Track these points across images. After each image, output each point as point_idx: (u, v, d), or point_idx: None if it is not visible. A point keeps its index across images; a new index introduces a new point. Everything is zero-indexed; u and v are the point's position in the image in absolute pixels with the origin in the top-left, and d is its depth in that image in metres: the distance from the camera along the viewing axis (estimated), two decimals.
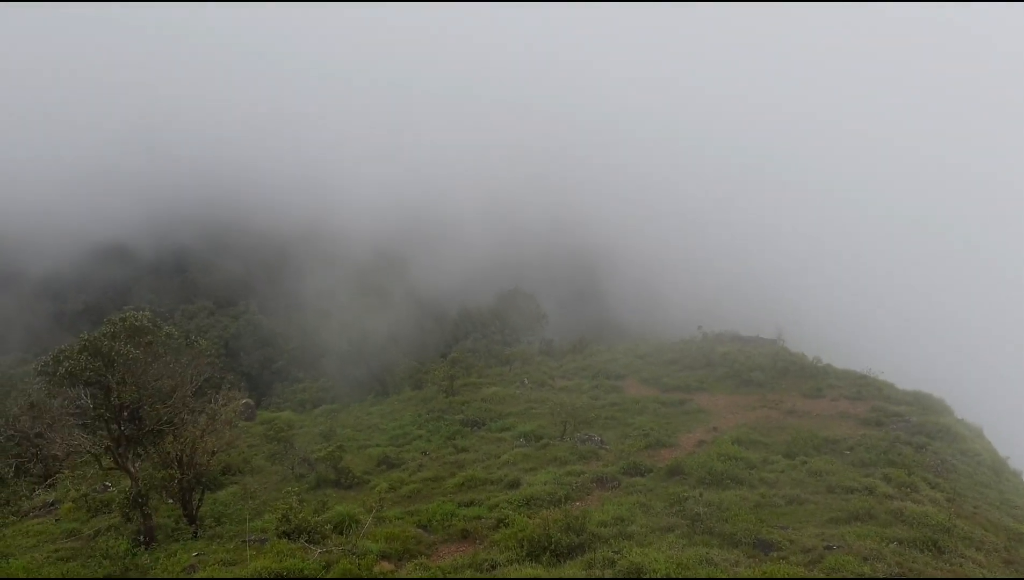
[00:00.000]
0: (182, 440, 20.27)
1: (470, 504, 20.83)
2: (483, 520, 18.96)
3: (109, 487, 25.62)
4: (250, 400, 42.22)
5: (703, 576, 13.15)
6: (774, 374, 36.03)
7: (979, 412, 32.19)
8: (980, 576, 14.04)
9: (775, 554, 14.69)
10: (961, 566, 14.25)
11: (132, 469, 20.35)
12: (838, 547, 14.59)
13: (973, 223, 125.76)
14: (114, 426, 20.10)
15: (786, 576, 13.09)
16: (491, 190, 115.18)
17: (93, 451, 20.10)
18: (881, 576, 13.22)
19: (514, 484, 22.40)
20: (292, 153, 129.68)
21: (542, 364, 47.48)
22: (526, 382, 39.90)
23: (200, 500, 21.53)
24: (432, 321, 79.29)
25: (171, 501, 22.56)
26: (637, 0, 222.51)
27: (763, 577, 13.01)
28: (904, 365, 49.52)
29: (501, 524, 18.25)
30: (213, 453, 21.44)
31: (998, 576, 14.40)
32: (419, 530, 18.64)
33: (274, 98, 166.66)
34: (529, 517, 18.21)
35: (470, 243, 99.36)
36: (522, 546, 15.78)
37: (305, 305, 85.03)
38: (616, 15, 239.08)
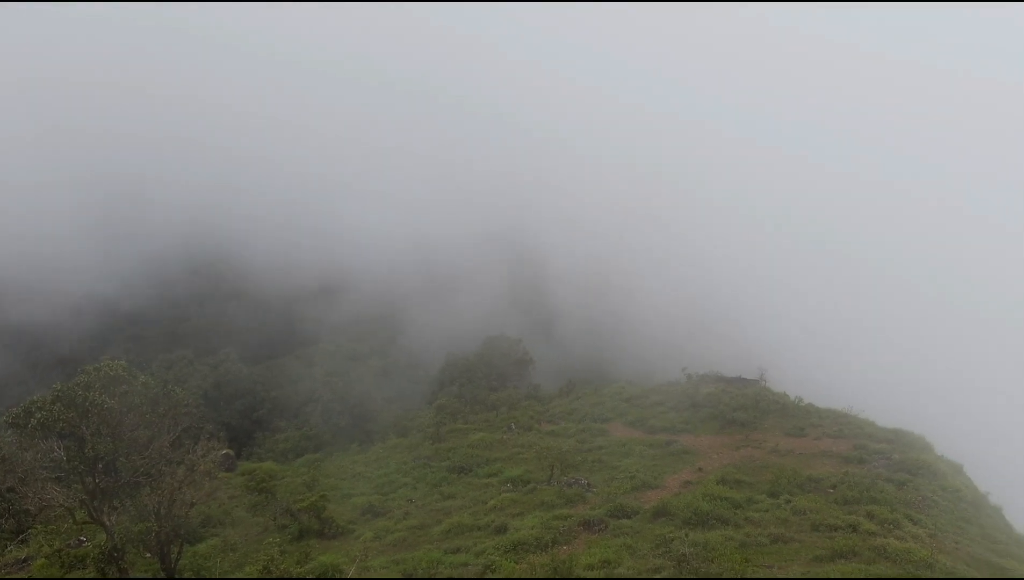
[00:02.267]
0: (160, 492, 19.94)
1: (457, 551, 20.62)
2: (470, 567, 18.75)
3: (84, 541, 25.01)
4: (230, 451, 41.57)
5: None
6: (757, 414, 36.14)
7: (959, 449, 32.37)
8: None
9: None
10: None
11: (108, 522, 19.96)
12: None
13: (950, 259, 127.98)
14: (89, 478, 19.77)
15: None
16: (483, 234, 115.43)
17: (67, 505, 19.72)
18: None
19: (501, 529, 22.22)
20: (276, 201, 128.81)
21: (529, 409, 47.25)
22: (513, 427, 39.70)
23: (179, 553, 21.08)
24: (418, 368, 78.83)
25: (149, 555, 22.06)
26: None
27: None
28: (884, 402, 49.78)
29: (488, 570, 18.06)
30: (192, 505, 21.09)
31: None
32: (404, 579, 18.38)
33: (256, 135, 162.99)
34: (516, 563, 18.07)
35: (458, 290, 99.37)
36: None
37: (288, 352, 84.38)
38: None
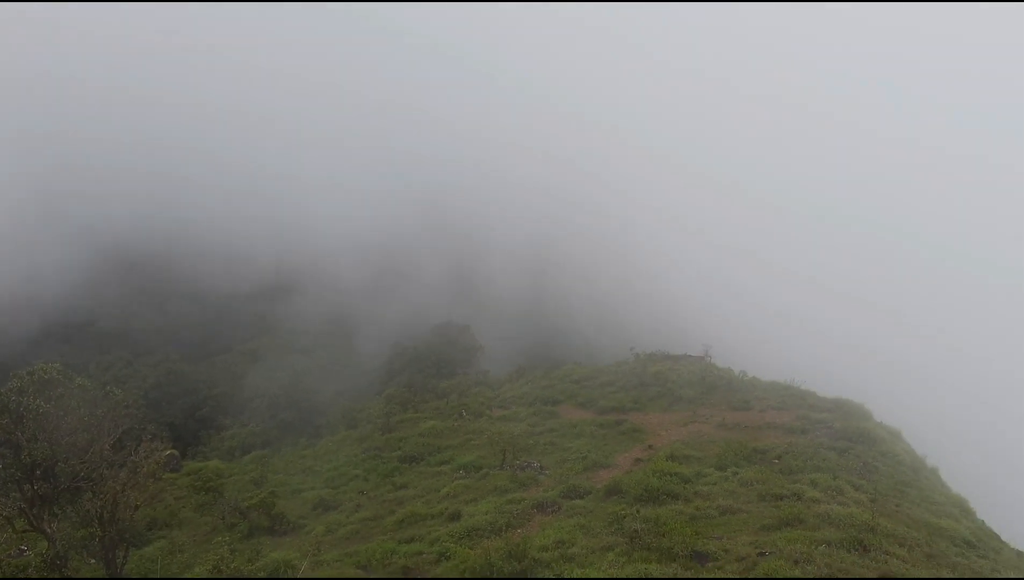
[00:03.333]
0: (102, 496, 19.35)
1: (411, 540, 20.54)
2: (424, 555, 18.72)
3: (25, 551, 24.10)
4: (175, 451, 40.53)
5: None
6: (703, 390, 36.84)
7: (897, 414, 33.54)
8: (905, 575, 14.60)
9: (711, 564, 14.99)
10: (886, 562, 14.83)
11: (49, 530, 19.30)
12: (770, 553, 14.99)
13: (887, 231, 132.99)
14: (27, 486, 19.11)
15: None
16: (427, 222, 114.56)
17: (5, 514, 19.04)
18: (812, 578, 13.64)
19: (455, 516, 22.22)
20: (219, 192, 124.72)
21: (479, 395, 47.24)
22: (464, 414, 39.65)
23: (125, 558, 20.51)
24: (367, 359, 78.07)
25: (93, 561, 21.45)
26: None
27: None
28: (824, 373, 51.35)
29: (443, 558, 18.06)
30: (136, 508, 20.53)
31: (921, 571, 15.01)
32: (358, 571, 18.25)
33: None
34: (471, 548, 18.09)
35: (405, 279, 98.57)
36: (464, 578, 15.66)
37: (231, 349, 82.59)
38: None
